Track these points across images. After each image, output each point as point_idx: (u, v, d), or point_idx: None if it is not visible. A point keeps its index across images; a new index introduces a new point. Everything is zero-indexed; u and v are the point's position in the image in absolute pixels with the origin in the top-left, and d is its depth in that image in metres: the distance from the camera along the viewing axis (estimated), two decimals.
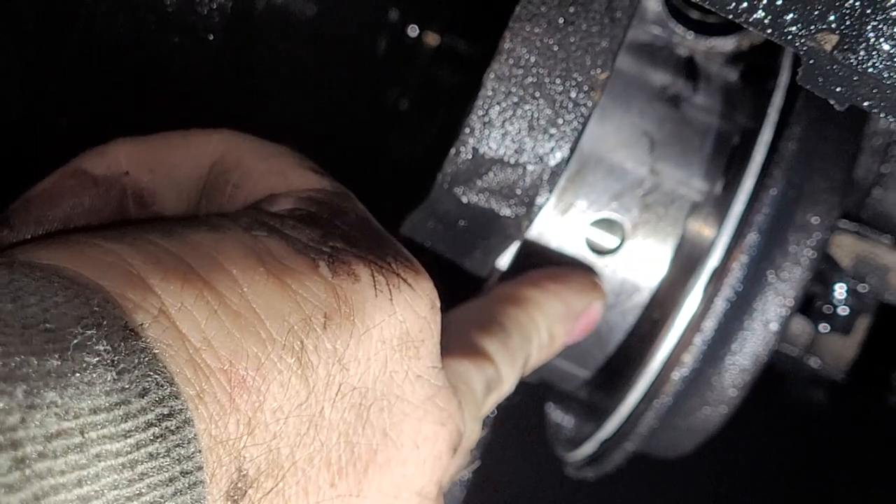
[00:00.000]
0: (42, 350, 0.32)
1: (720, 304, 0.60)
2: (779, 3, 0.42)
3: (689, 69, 0.67)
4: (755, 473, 1.03)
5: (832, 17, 0.42)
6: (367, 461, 0.43)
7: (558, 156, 0.53)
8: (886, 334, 0.86)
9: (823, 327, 0.80)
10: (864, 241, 0.80)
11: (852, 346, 0.86)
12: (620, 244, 0.64)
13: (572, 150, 0.53)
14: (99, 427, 0.33)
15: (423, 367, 0.44)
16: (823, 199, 0.61)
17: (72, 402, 0.32)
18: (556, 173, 0.53)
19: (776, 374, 0.75)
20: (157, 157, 0.47)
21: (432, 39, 0.71)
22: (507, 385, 0.55)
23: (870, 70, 0.42)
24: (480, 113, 0.53)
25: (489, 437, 0.56)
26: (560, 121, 0.52)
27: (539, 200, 0.55)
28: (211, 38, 0.63)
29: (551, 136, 0.53)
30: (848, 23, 0.42)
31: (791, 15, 0.42)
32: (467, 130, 0.53)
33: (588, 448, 0.68)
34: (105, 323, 0.35)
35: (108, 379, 0.33)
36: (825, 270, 0.78)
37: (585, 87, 0.52)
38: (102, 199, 0.45)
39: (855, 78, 0.43)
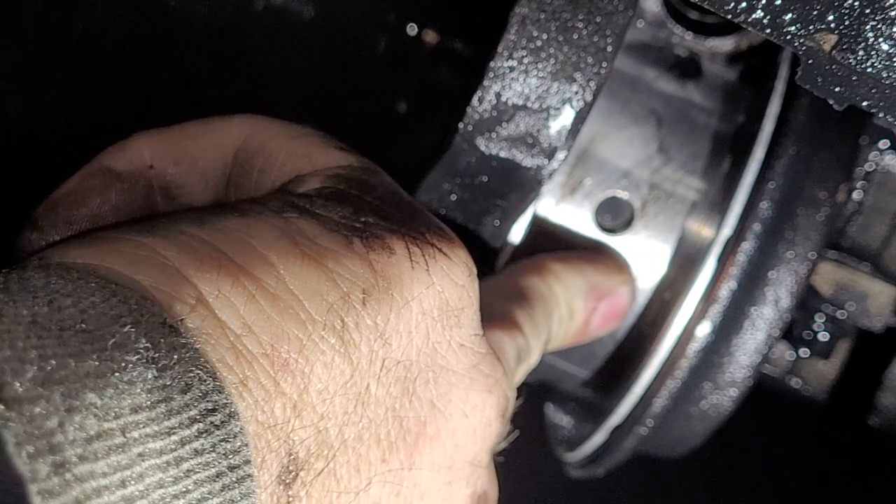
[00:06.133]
0: (80, 352, 0.32)
1: (735, 273, 0.59)
2: (777, 2, 0.42)
3: (689, 67, 0.68)
4: (743, 486, 1.02)
5: (831, 17, 0.43)
6: (417, 434, 0.42)
7: (583, 100, 0.53)
8: (868, 356, 0.86)
9: (804, 352, 0.81)
10: (843, 268, 0.81)
11: (833, 369, 0.86)
12: (630, 223, 0.63)
13: (595, 95, 0.53)
14: (141, 426, 0.32)
15: (465, 336, 0.44)
16: (831, 174, 0.62)
17: (112, 402, 0.32)
18: (579, 119, 0.53)
19: (761, 391, 0.75)
20: (180, 147, 0.47)
21: (431, 38, 0.72)
22: (535, 356, 0.55)
23: (868, 70, 0.42)
24: (505, 55, 0.53)
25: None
26: (583, 65, 0.53)
27: (560, 154, 0.54)
28: (210, 37, 0.64)
29: (575, 80, 0.53)
30: (847, 23, 0.42)
31: (790, 15, 0.43)
32: (491, 75, 0.53)
33: (598, 438, 0.66)
34: (143, 320, 0.34)
35: (149, 377, 0.33)
36: (806, 297, 0.79)
37: (608, 31, 0.52)
38: (129, 195, 0.45)
39: (854, 78, 0.43)
